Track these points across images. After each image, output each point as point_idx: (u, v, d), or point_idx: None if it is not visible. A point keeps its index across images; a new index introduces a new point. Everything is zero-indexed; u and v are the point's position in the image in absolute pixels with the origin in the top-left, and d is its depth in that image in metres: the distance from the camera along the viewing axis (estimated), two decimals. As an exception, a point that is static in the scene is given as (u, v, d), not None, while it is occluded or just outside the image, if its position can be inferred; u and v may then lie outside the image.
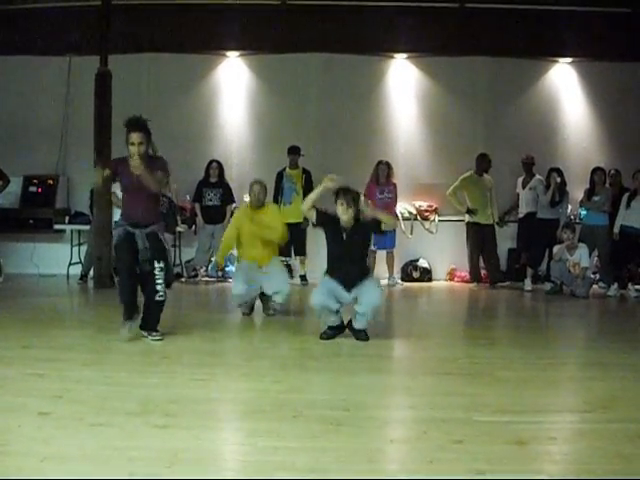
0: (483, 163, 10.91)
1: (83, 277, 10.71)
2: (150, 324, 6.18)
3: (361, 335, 6.31)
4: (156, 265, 6.05)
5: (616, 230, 10.15)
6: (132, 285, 6.14)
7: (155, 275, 6.05)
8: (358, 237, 6.54)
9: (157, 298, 6.08)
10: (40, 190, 11.53)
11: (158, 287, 6.06)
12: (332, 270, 6.53)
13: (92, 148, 10.02)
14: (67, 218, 11.50)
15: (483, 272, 11.03)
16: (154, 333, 6.17)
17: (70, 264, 11.33)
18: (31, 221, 11.31)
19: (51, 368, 5.14)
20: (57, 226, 11.40)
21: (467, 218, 10.98)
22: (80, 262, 11.23)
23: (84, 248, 11.16)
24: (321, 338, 6.34)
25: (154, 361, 5.52)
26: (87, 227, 11.05)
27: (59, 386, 4.62)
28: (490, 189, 10.94)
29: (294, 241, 10.69)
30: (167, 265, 6.17)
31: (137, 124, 6.14)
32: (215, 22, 11.55)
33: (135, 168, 5.87)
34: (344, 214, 6.45)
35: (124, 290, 6.12)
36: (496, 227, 11.05)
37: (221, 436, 3.88)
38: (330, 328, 6.43)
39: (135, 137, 6.07)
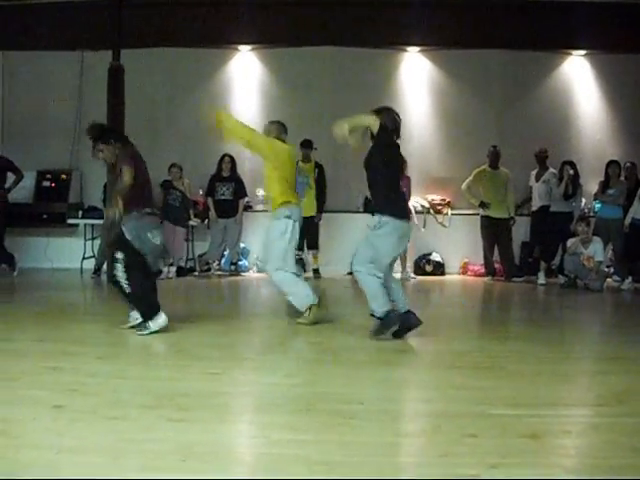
0: (494, 156, 10.88)
1: (96, 271, 10.77)
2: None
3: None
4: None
5: (627, 222, 10.10)
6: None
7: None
8: None
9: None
10: (53, 185, 11.60)
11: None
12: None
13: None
14: (80, 212, 11.56)
15: (498, 266, 10.99)
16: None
17: (83, 258, 11.39)
18: (45, 216, 11.37)
19: (65, 361, 5.16)
20: (70, 220, 11.47)
21: (481, 212, 10.95)
22: (93, 256, 11.28)
23: (97, 242, 11.22)
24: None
25: (168, 355, 5.55)
26: (100, 221, 11.07)
27: (73, 379, 4.64)
28: (506, 183, 10.89)
29: (307, 235, 10.72)
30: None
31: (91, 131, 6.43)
32: (227, 16, 11.54)
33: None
34: None
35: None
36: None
37: (235, 429, 3.88)
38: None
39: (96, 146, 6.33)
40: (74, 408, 3.99)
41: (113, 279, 6.16)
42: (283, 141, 7.16)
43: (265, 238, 7.06)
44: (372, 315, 5.96)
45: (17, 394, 4.29)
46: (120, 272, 6.10)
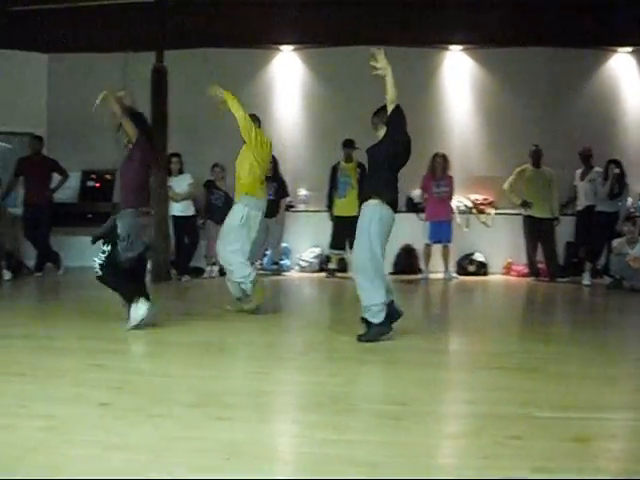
0: (536, 155, 10.76)
1: (140, 270, 10.86)
2: None
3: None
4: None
5: None
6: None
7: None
8: None
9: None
10: (98, 185, 11.74)
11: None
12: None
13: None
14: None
15: (541, 266, 10.87)
16: None
17: (127, 257, 11.49)
18: (89, 215, 11.49)
19: (110, 359, 5.22)
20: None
21: (523, 211, 10.85)
22: (137, 255, 11.39)
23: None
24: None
25: (210, 353, 5.57)
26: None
27: (118, 377, 4.69)
28: (549, 182, 10.75)
29: (349, 234, 10.70)
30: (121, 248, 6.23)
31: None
32: (269, 16, 11.57)
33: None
34: None
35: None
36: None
37: (279, 428, 3.89)
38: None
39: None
40: (119, 405, 4.03)
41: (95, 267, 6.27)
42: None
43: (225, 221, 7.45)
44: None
45: (63, 391, 4.36)
46: (98, 261, 6.22)
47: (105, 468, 3.11)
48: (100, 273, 6.22)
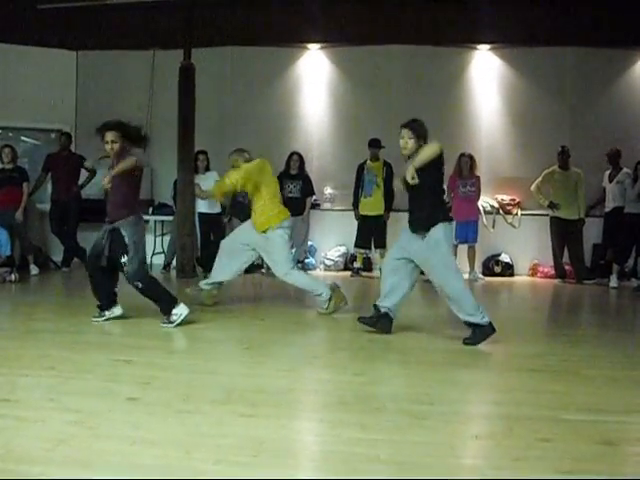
0: (564, 156, 10.68)
1: (166, 266, 10.94)
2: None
3: None
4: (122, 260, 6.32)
5: None
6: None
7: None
8: None
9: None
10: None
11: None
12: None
13: (176, 141, 10.20)
14: (151, 209, 11.74)
15: (568, 268, 10.79)
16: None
17: (153, 254, 11.57)
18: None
19: (138, 355, 5.25)
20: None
21: (550, 212, 10.77)
22: (163, 252, 11.47)
23: (167, 238, 11.40)
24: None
25: (237, 351, 5.60)
26: (170, 218, 11.27)
27: (146, 373, 4.72)
28: (577, 183, 10.67)
29: (374, 233, 10.71)
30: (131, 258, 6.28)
31: (107, 126, 6.58)
32: (297, 15, 11.59)
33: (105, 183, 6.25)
34: None
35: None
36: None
37: (306, 426, 3.89)
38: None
39: (108, 135, 6.48)
40: (148, 401, 4.06)
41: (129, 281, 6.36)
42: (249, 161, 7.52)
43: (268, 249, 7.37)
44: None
45: (92, 386, 4.39)
46: (131, 274, 6.30)
47: (133, 463, 3.13)
48: (142, 286, 6.30)
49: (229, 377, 4.71)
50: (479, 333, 5.82)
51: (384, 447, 3.41)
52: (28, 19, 11.55)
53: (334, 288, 7.34)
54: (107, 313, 6.55)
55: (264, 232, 7.24)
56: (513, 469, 3.19)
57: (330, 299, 7.24)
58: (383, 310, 6.12)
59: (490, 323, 5.81)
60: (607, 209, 10.74)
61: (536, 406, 4.16)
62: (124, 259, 6.27)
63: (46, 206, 11.20)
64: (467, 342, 5.82)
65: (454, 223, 6.09)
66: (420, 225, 5.96)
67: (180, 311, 6.31)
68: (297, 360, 5.36)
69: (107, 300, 6.58)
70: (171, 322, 6.27)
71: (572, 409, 4.10)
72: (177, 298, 6.42)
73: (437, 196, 6.08)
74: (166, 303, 6.35)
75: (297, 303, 7.95)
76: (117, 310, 6.59)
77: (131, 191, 6.45)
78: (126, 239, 6.27)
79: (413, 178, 5.67)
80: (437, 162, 5.84)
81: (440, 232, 5.88)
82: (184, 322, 6.34)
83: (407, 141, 6.02)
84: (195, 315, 6.65)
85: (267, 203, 7.27)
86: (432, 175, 5.86)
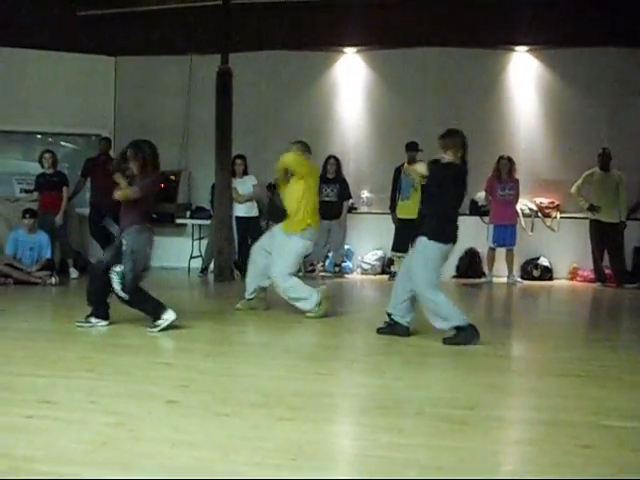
0: (605, 158, 10.54)
1: (203, 270, 11.00)
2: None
3: None
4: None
5: None
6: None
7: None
8: None
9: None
10: (163, 185, 11.86)
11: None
12: (442, 228, 6.06)
13: (213, 145, 10.26)
14: (188, 213, 11.83)
15: (608, 272, 10.64)
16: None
17: (191, 257, 11.65)
18: (154, 215, 11.61)
19: (176, 358, 5.31)
20: (179, 220, 11.75)
21: (590, 215, 10.63)
22: (200, 256, 11.53)
23: (204, 242, 11.46)
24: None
25: (274, 354, 5.60)
26: (207, 222, 11.33)
27: (184, 375, 4.75)
28: (618, 185, 10.51)
29: (412, 237, 10.61)
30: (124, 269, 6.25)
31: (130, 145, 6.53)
32: (333, 18, 11.60)
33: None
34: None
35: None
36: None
37: (344, 430, 3.88)
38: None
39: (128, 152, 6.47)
40: (186, 404, 4.08)
41: (114, 292, 6.30)
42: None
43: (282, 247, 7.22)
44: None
45: (131, 388, 4.43)
46: (117, 285, 6.23)
47: (172, 465, 3.14)
48: (126, 297, 6.25)
49: (267, 380, 4.71)
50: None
51: (423, 452, 3.39)
52: (67, 25, 11.69)
53: (325, 294, 7.27)
54: (93, 321, 6.47)
55: (289, 233, 7.22)
56: (553, 475, 3.15)
57: (320, 304, 7.13)
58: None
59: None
60: (648, 212, 10.59)
61: (577, 412, 4.10)
62: (117, 268, 6.23)
63: (86, 210, 11.32)
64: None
65: (449, 247, 6.02)
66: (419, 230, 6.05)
67: (167, 316, 6.24)
68: (334, 364, 5.35)
69: (98, 307, 6.54)
70: (156, 326, 6.21)
71: (613, 415, 4.04)
72: (165, 304, 6.34)
73: (442, 212, 6.02)
74: (155, 312, 6.28)
75: (334, 306, 7.93)
76: (103, 322, 6.51)
77: (142, 201, 6.44)
78: (124, 247, 6.25)
79: (423, 176, 5.93)
80: (448, 180, 5.92)
81: (421, 245, 5.96)
82: (221, 326, 6.35)
83: (442, 154, 6.04)
84: (230, 319, 6.66)
85: (301, 207, 7.22)
86: (441, 189, 5.93)
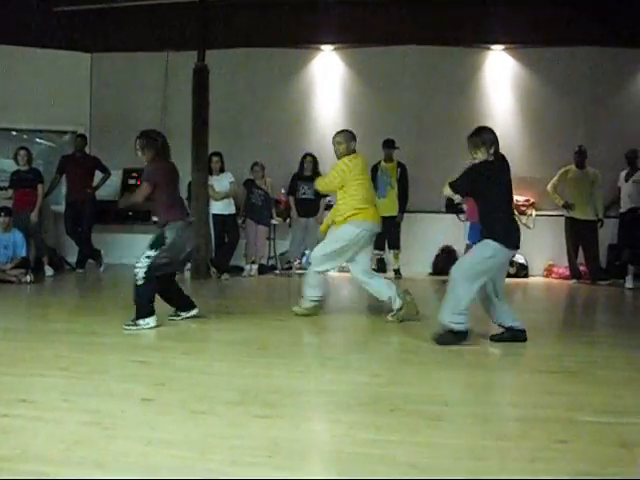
0: (580, 156, 10.62)
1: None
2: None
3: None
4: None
5: None
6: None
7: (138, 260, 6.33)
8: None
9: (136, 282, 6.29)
10: (139, 183, 11.80)
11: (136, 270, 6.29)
12: (507, 231, 5.84)
13: (190, 142, 10.22)
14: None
15: (583, 268, 10.73)
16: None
17: (167, 255, 11.58)
18: (130, 213, 11.62)
19: (152, 356, 5.26)
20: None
21: (565, 213, 10.72)
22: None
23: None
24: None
25: (251, 351, 5.58)
26: (184, 219, 11.27)
27: (161, 373, 4.72)
28: (593, 183, 10.60)
29: (388, 234, 10.67)
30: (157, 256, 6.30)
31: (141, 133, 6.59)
32: (309, 16, 11.62)
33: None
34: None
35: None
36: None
37: (321, 428, 3.88)
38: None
39: (137, 142, 6.54)
40: (162, 402, 4.06)
41: (135, 271, 6.29)
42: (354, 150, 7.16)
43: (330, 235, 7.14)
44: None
45: (107, 387, 4.40)
46: (143, 267, 6.23)
47: (148, 464, 3.12)
48: (141, 282, 6.23)
49: (243, 378, 4.69)
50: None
51: (399, 448, 3.40)
52: (43, 22, 11.61)
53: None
54: (183, 314, 6.66)
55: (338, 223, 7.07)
56: (529, 471, 3.16)
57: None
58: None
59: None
60: (622, 209, 10.68)
61: (552, 407, 4.13)
62: (151, 252, 6.27)
63: (61, 207, 11.26)
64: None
65: (467, 224, 5.92)
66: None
67: (150, 321, 6.23)
68: (312, 361, 5.36)
69: (179, 302, 6.69)
70: (136, 325, 6.19)
71: (589, 411, 4.07)
72: (155, 311, 6.33)
73: (497, 214, 5.84)
74: (143, 312, 6.25)
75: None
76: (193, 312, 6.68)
77: (161, 193, 6.47)
78: (167, 240, 6.34)
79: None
80: (484, 180, 5.73)
81: (482, 245, 5.84)
82: (198, 324, 6.32)
83: (473, 154, 5.78)
84: (207, 317, 6.65)
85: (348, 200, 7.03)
86: (483, 192, 5.78)
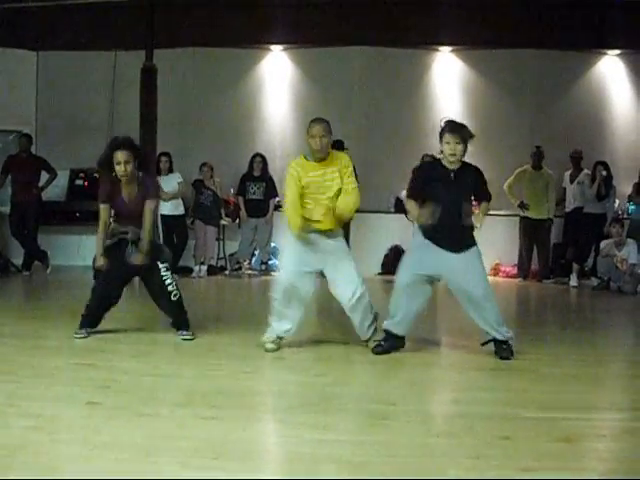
0: (537, 156, 10.78)
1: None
2: (178, 323, 6.13)
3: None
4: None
5: None
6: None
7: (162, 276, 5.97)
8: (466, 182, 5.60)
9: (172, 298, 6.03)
10: (86, 183, 11.69)
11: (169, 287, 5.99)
12: (434, 230, 5.64)
13: (137, 142, 10.11)
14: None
15: (534, 267, 10.91)
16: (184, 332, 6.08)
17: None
18: (77, 214, 11.47)
19: (99, 359, 5.20)
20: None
21: (520, 212, 10.87)
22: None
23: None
24: (376, 353, 5.53)
25: (200, 353, 5.56)
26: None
27: (107, 376, 4.68)
28: (548, 183, 10.78)
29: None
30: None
31: (123, 143, 5.88)
32: (259, 17, 11.58)
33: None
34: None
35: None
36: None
37: (267, 428, 3.90)
38: (389, 337, 5.59)
39: (120, 155, 5.80)
40: (108, 405, 4.02)
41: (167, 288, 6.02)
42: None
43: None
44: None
45: (51, 390, 4.34)
46: (171, 280, 6.06)
47: (94, 468, 3.10)
48: (178, 294, 6.03)
49: (190, 380, 4.68)
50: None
51: (347, 448, 3.42)
52: (-14, 19, 11.40)
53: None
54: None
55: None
56: (474, 467, 3.22)
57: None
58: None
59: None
60: (567, 209, 10.88)
61: (496, 404, 4.20)
62: (162, 265, 6.03)
63: (6, 208, 11.05)
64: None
65: (415, 224, 5.83)
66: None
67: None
68: (260, 362, 5.34)
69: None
70: (193, 334, 6.03)
71: (532, 407, 4.15)
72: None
73: None
74: (187, 322, 6.10)
75: (258, 305, 7.92)
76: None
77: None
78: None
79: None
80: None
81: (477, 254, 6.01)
82: (145, 326, 6.28)
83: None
84: (155, 318, 6.60)
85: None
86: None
